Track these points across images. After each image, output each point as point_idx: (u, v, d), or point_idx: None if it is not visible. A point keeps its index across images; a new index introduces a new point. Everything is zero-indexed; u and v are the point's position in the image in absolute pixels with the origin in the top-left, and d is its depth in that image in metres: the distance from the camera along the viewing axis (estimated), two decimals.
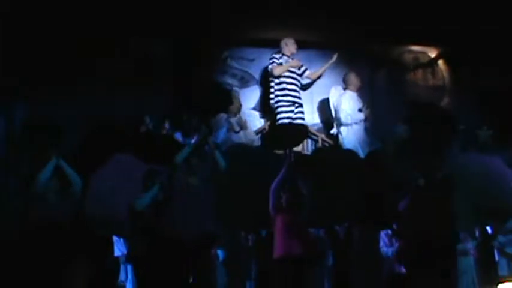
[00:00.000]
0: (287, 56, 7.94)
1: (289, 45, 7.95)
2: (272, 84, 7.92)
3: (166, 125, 7.21)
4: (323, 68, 8.23)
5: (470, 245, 6.07)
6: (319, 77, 8.32)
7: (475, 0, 7.85)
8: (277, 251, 5.84)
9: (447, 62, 8.95)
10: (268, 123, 8.12)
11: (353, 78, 8.07)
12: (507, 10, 7.82)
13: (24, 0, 7.00)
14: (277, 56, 7.90)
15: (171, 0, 7.56)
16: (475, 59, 8.50)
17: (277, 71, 7.82)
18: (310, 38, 8.35)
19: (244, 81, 8.28)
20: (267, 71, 8.04)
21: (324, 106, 8.33)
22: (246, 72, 8.28)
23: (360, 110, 7.84)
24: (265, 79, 8.22)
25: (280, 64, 7.85)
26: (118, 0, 7.36)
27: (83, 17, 7.34)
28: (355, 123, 7.81)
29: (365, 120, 7.85)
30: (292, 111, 7.74)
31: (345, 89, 8.09)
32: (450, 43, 8.58)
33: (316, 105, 8.38)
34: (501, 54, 8.22)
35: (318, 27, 8.11)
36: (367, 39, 8.38)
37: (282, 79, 7.83)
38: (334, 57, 8.12)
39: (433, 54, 8.95)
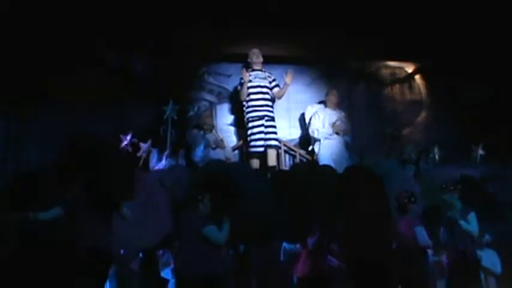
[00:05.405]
0: (257, 68, 7.94)
1: (254, 57, 7.97)
2: (244, 102, 7.90)
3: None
4: (284, 89, 8.01)
5: (444, 257, 6.07)
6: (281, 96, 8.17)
7: (451, 15, 7.98)
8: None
9: (424, 77, 9.01)
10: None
11: (331, 95, 8.12)
12: (484, 24, 7.94)
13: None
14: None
15: (150, 16, 7.60)
16: (451, 74, 8.57)
17: (242, 97, 7.85)
18: (288, 54, 8.39)
19: (222, 97, 8.28)
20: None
21: (300, 122, 8.35)
22: (223, 87, 8.29)
23: (333, 125, 7.84)
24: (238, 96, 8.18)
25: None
26: (96, 16, 7.38)
27: (61, 34, 7.33)
28: (325, 138, 7.81)
29: (338, 134, 7.83)
30: (262, 125, 7.69)
31: (325, 106, 8.12)
32: (427, 58, 8.65)
33: (293, 121, 8.37)
34: (477, 68, 8.30)
35: (295, 42, 8.18)
36: (345, 54, 8.45)
37: (251, 95, 7.82)
38: (289, 75, 7.92)
39: (410, 69, 9.02)
